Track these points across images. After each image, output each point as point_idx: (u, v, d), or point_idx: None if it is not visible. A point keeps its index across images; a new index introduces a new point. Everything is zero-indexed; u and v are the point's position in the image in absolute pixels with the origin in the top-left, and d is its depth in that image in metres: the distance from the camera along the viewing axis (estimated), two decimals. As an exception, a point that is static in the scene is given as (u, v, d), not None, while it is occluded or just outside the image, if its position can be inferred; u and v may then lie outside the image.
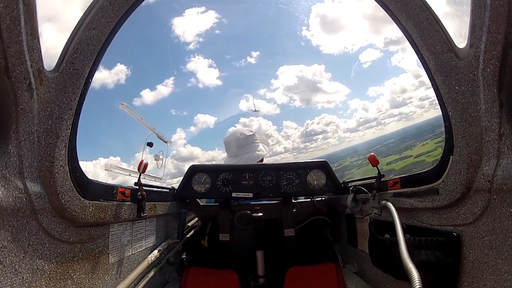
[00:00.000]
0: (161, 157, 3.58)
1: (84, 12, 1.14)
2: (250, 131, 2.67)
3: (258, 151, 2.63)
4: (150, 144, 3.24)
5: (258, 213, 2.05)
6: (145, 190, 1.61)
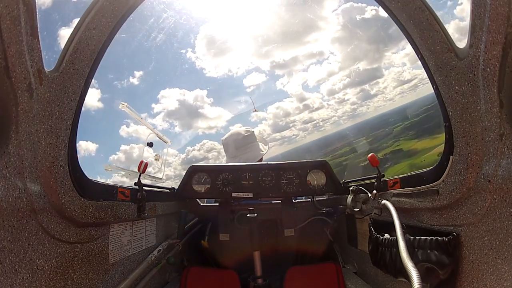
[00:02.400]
0: (161, 157, 3.58)
1: (84, 12, 1.14)
2: (248, 131, 2.67)
3: (257, 151, 2.63)
4: (150, 144, 3.24)
5: (253, 213, 2.05)
6: (145, 190, 1.61)
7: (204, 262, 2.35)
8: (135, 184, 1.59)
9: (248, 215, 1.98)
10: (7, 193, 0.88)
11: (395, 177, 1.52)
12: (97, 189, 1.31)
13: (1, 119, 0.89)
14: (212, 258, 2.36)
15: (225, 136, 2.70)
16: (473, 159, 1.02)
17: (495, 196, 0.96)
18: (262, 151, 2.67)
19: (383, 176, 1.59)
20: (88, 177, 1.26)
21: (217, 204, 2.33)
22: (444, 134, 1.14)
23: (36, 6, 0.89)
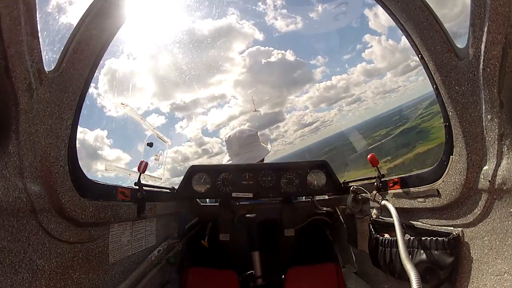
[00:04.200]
0: (161, 157, 3.58)
1: (84, 12, 1.14)
2: (252, 130, 2.67)
3: (260, 150, 2.62)
4: (150, 144, 3.23)
5: (252, 213, 2.05)
6: (145, 190, 1.61)
7: (204, 262, 2.35)
8: (135, 184, 1.59)
9: (247, 215, 1.98)
10: (7, 193, 0.88)
11: (395, 177, 1.52)
12: (97, 189, 1.31)
13: (1, 119, 0.89)
14: (212, 258, 2.36)
15: (229, 134, 2.69)
16: (473, 159, 1.02)
17: (495, 196, 0.96)
18: (265, 151, 2.66)
19: (383, 176, 1.59)
20: (88, 177, 1.26)
21: (217, 204, 2.33)
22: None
23: (36, 6, 0.89)
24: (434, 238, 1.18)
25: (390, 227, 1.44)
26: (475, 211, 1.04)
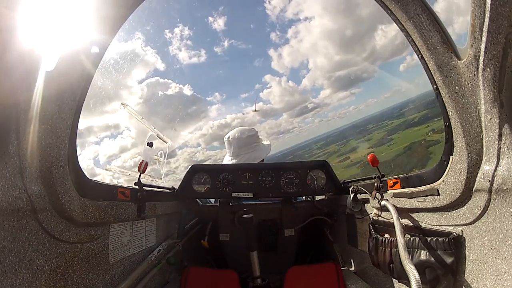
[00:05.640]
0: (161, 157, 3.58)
1: (85, 13, 1.14)
2: (252, 130, 2.66)
3: (260, 150, 2.62)
4: (150, 144, 3.23)
5: (249, 213, 2.05)
6: (145, 190, 1.61)
7: (204, 262, 2.35)
8: (135, 184, 1.59)
9: (243, 216, 1.98)
10: (7, 193, 0.88)
11: (395, 177, 1.52)
12: (97, 189, 1.31)
13: (1, 119, 0.89)
14: (212, 258, 2.36)
15: (228, 134, 2.69)
16: (473, 159, 1.02)
17: (495, 196, 0.96)
18: (265, 152, 2.66)
19: (383, 176, 1.59)
20: (88, 177, 1.26)
21: (217, 204, 2.33)
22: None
23: (36, 6, 0.89)
24: (434, 238, 1.18)
25: (390, 227, 1.44)
26: (475, 211, 1.04)
